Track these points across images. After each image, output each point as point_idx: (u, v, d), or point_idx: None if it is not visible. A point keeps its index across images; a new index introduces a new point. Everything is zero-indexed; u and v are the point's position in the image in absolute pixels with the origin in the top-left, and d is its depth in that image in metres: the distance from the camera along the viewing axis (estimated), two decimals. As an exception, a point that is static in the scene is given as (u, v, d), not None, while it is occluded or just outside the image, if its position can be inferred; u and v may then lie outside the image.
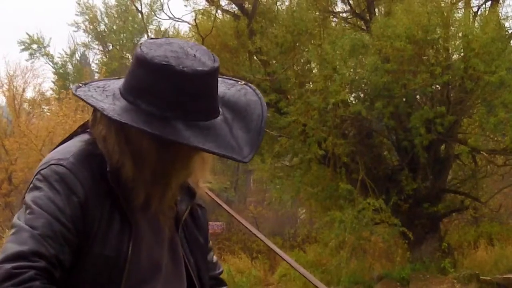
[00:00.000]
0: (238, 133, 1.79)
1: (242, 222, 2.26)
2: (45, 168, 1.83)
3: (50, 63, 38.34)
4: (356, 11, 19.47)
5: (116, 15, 39.34)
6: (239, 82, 1.95)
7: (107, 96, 1.82)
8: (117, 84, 1.87)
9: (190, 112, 1.75)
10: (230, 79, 1.96)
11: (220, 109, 1.82)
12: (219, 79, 1.84)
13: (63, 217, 1.75)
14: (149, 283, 1.89)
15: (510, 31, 18.71)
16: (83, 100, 1.81)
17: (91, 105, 1.81)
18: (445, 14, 16.64)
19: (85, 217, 1.79)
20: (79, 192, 1.79)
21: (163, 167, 1.82)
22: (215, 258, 2.24)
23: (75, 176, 1.80)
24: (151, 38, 1.87)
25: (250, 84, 1.95)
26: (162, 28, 34.29)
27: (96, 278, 1.80)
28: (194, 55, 1.78)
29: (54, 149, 1.93)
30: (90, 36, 39.89)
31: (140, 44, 1.81)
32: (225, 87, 1.90)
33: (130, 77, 1.81)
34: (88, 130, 1.93)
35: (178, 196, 1.97)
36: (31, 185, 1.83)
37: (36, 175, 1.84)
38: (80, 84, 1.91)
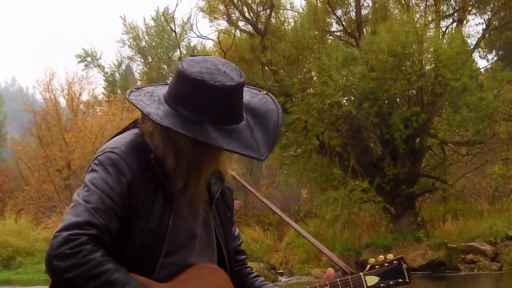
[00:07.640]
0: (258, 135, 1.80)
1: (263, 200, 2.26)
2: (101, 154, 1.84)
3: (101, 73, 38.60)
4: (348, 31, 19.55)
5: (154, 34, 39.46)
6: (261, 92, 1.95)
7: (154, 101, 1.83)
8: (163, 90, 1.88)
9: (218, 118, 1.75)
10: (255, 89, 1.96)
11: (245, 115, 1.82)
12: (245, 88, 1.84)
13: (113, 194, 1.76)
14: (186, 249, 1.91)
15: (471, 46, 18.83)
16: (133, 104, 1.85)
17: (140, 110, 1.82)
18: (419, 33, 16.67)
19: (132, 195, 1.80)
20: (127, 174, 1.80)
21: (196, 161, 1.84)
22: (237, 231, 2.23)
23: (125, 162, 1.81)
24: (191, 55, 1.87)
25: (270, 94, 1.95)
26: (192, 44, 34.42)
27: (143, 243, 1.82)
28: (225, 71, 1.78)
29: (109, 140, 1.93)
30: (134, 50, 40.08)
31: (182, 60, 1.83)
32: (250, 96, 1.89)
33: (172, 87, 1.82)
34: (138, 125, 1.93)
35: (212, 179, 1.97)
36: (90, 168, 1.84)
37: (94, 160, 1.85)
38: (133, 89, 1.91)
